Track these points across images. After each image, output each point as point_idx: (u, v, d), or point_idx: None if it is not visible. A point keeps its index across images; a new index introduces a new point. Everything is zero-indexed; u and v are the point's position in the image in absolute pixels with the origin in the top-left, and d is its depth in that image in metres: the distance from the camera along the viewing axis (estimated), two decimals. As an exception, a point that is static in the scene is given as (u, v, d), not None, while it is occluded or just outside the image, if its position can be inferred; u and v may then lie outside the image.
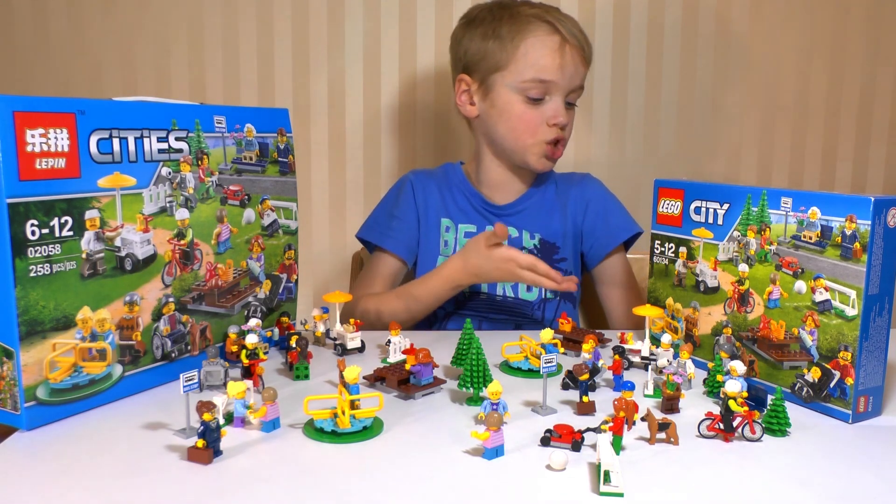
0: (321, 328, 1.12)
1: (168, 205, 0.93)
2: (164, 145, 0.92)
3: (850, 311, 0.83)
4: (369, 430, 0.79)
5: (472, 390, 0.87)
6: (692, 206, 1.04)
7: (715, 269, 1.01)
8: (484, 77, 1.30)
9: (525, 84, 1.26)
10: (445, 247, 1.36)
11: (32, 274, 0.77)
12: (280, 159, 1.12)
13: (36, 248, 0.77)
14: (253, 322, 1.03)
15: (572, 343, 1.09)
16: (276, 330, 1.10)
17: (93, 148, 0.82)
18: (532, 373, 0.98)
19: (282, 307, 1.14)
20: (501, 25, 1.28)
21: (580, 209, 1.37)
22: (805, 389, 0.88)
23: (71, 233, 0.80)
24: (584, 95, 1.65)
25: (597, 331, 1.16)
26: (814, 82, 1.70)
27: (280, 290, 1.14)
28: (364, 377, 0.93)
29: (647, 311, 1.05)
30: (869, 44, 1.69)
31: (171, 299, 0.94)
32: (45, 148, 0.77)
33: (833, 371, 0.85)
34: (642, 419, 0.78)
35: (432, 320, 1.37)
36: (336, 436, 0.77)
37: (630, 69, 1.67)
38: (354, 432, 0.78)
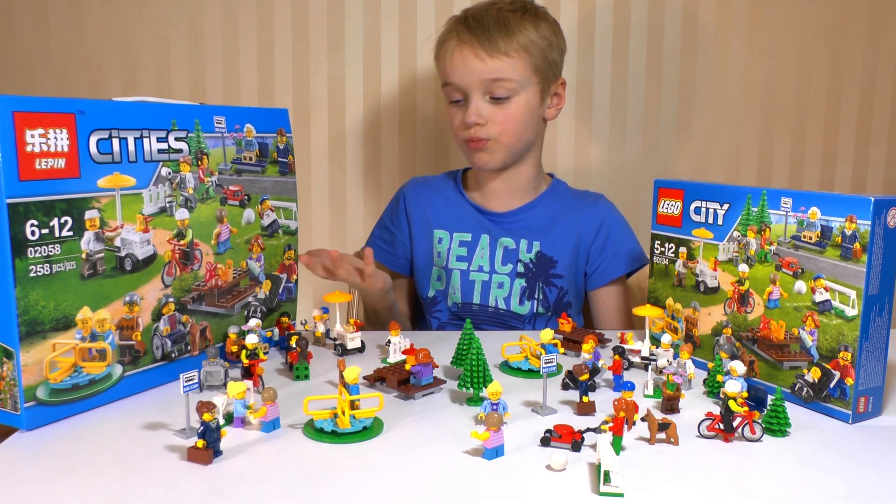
0: (321, 328, 1.12)
1: (168, 205, 0.93)
2: (164, 145, 0.92)
3: (850, 312, 0.83)
4: (369, 430, 0.79)
5: (472, 390, 0.87)
6: (692, 207, 1.04)
7: (715, 270, 1.01)
8: None
9: (443, 90, 1.31)
10: (438, 258, 1.36)
11: (32, 274, 0.77)
12: (280, 159, 1.12)
13: (36, 248, 0.77)
14: (253, 322, 1.03)
15: (572, 343, 1.09)
16: (276, 330, 1.10)
17: (92, 148, 0.82)
18: (532, 373, 0.98)
19: (282, 307, 1.14)
20: (436, 44, 1.33)
21: (591, 230, 1.34)
22: (805, 389, 0.88)
23: (71, 233, 0.80)
24: (583, 95, 1.67)
25: (597, 331, 1.16)
26: (814, 82, 1.70)
27: (280, 291, 1.14)
28: (364, 377, 0.93)
29: (647, 311, 1.05)
30: (869, 44, 1.69)
31: (171, 299, 0.94)
32: (44, 148, 0.77)
33: (833, 371, 0.85)
34: (642, 419, 0.78)
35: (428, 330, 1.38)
36: (336, 436, 0.77)
37: (630, 69, 1.67)
38: (354, 432, 0.78)
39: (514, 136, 1.27)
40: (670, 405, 0.86)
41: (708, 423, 0.79)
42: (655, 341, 1.06)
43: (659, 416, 0.81)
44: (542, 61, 1.26)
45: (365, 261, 1.16)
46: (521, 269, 1.33)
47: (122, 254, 0.86)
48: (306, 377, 0.97)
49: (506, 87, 1.24)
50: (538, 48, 1.25)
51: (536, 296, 1.32)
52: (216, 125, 1.00)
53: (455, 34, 1.26)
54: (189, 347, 0.98)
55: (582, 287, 1.37)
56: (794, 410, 0.85)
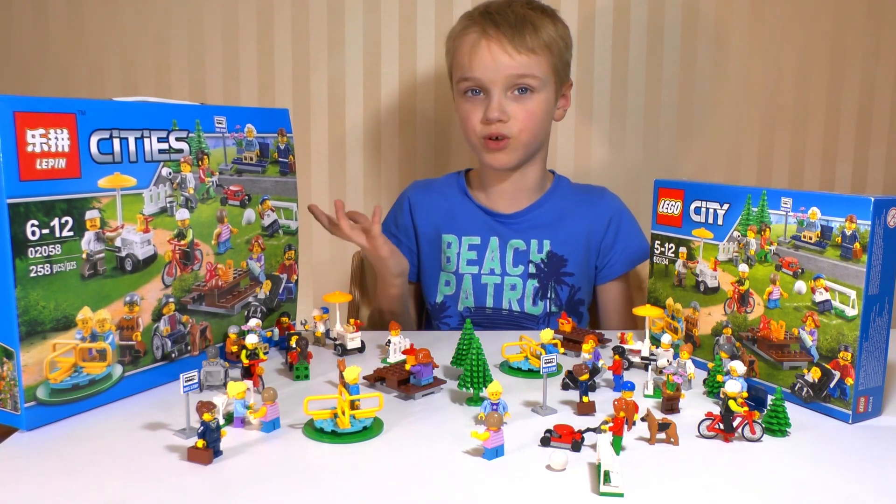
0: (321, 328, 1.12)
1: (168, 205, 0.93)
2: (165, 145, 0.92)
3: (850, 312, 0.83)
4: (369, 430, 0.79)
5: (472, 390, 0.87)
6: (692, 207, 1.04)
7: (715, 270, 1.01)
8: (452, 87, 1.33)
9: (459, 84, 1.28)
10: (448, 263, 1.35)
11: (33, 274, 0.77)
12: (280, 159, 1.12)
13: (36, 248, 0.77)
14: (253, 322, 1.03)
15: (572, 343, 1.09)
16: (276, 330, 1.10)
17: (93, 148, 0.82)
18: (532, 373, 0.98)
19: (282, 307, 1.14)
20: (450, 37, 1.31)
21: (601, 226, 1.34)
22: (805, 389, 0.88)
23: (71, 233, 0.80)
24: (584, 95, 1.67)
25: (597, 331, 1.16)
26: (814, 82, 1.70)
27: (280, 291, 1.14)
28: (364, 377, 0.93)
29: (647, 311, 1.05)
30: (869, 44, 1.69)
31: (171, 299, 0.94)
32: (45, 148, 0.77)
33: (833, 371, 0.85)
34: (642, 419, 0.78)
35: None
36: (336, 436, 0.77)
37: (630, 69, 1.67)
38: (354, 432, 0.78)
39: (533, 134, 1.26)
40: (670, 405, 0.86)
41: (708, 423, 0.79)
42: (655, 341, 1.06)
43: (659, 416, 0.81)
44: (559, 61, 1.27)
45: (373, 218, 1.15)
46: (532, 269, 1.32)
47: (123, 254, 0.86)
48: (306, 377, 0.97)
49: (529, 83, 1.23)
50: (558, 47, 1.26)
51: (549, 295, 1.32)
52: (217, 125, 1.00)
53: (479, 28, 1.23)
54: (189, 347, 0.98)
55: (593, 283, 1.38)
56: (794, 410, 0.85)
